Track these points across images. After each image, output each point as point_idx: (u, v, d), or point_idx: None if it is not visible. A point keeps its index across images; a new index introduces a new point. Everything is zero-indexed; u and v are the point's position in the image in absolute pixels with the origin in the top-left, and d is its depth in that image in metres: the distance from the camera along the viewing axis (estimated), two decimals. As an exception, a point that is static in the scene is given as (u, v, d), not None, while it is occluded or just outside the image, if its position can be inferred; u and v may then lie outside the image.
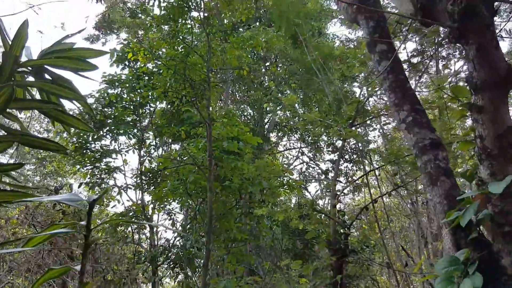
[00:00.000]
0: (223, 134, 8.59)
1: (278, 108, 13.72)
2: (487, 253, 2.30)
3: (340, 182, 6.54)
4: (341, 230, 5.47)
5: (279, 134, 20.62)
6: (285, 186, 9.71)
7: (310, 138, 18.35)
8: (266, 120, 18.92)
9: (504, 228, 2.24)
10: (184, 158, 9.09)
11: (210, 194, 5.84)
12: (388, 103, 3.03)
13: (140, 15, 16.91)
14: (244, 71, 7.28)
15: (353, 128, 5.88)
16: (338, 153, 7.19)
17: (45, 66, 1.52)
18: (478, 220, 2.37)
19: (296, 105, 14.15)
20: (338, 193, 6.52)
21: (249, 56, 13.59)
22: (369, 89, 6.15)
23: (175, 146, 13.80)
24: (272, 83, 7.65)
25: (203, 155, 8.32)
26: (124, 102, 11.03)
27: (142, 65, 7.94)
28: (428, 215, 7.67)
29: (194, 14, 6.87)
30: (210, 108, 6.93)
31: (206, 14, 6.55)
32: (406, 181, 5.98)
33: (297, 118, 18.42)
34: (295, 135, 19.50)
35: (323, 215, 5.81)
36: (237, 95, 18.77)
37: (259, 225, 11.18)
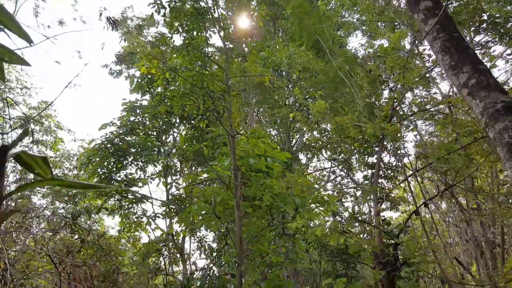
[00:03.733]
0: (249, 150, 8.13)
1: (304, 122, 13.18)
2: None
3: (382, 188, 5.89)
4: (389, 241, 4.83)
5: (308, 155, 20.02)
6: (319, 203, 9.09)
7: (341, 157, 17.67)
8: (294, 141, 18.44)
9: None
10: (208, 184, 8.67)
11: (238, 211, 5.33)
12: (441, 67, 2.49)
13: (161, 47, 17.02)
14: (266, 78, 6.86)
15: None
16: (376, 156, 6.58)
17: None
18: None
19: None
20: (380, 200, 5.87)
21: (272, 72, 13.28)
22: (405, 84, 5.56)
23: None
24: (297, 90, 7.20)
25: (229, 174, 7.86)
26: (147, 129, 10.81)
27: (157, 78, 7.63)
28: (482, 221, 6.87)
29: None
30: (232, 120, 6.49)
31: (221, 22, 6.23)
32: (457, 180, 5.25)
33: (325, 135, 17.86)
34: (325, 154, 18.86)
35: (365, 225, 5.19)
36: (262, 118, 18.43)
37: (295, 247, 10.51)
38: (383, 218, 5.17)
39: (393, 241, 4.73)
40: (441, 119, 5.45)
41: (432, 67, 7.27)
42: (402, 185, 15.47)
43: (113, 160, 10.27)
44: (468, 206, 6.91)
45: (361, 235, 5.05)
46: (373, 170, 15.53)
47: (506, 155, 2.16)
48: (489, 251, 6.48)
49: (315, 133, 18.88)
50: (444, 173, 5.07)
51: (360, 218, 5.43)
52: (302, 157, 21.44)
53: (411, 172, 10.39)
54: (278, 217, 9.27)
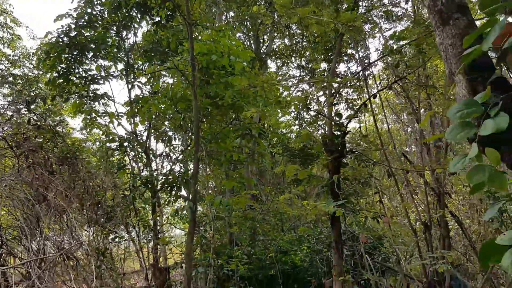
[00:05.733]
0: (211, 48, 7.97)
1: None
2: (513, 93, 1.83)
3: (337, 81, 5.98)
4: (338, 132, 5.06)
5: (278, 63, 19.85)
6: (280, 103, 9.24)
7: (310, 66, 17.61)
8: (264, 48, 18.12)
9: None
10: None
11: (195, 101, 5.38)
12: None
13: None
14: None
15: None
16: (336, 48, 6.57)
17: None
18: (501, 55, 1.88)
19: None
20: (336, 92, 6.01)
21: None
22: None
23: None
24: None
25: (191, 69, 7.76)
26: (105, 23, 10.27)
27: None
28: (432, 120, 7.23)
29: None
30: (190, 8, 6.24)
31: None
32: (407, 72, 5.44)
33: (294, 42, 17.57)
34: (295, 63, 18.73)
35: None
36: (231, 20, 17.77)
37: (258, 147, 10.88)
38: (335, 111, 5.36)
39: (342, 131, 4.97)
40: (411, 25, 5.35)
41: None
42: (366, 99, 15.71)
43: (72, 55, 9.86)
44: (419, 103, 7.20)
45: (314, 122, 5.27)
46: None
47: (437, 23, 2.22)
48: (434, 146, 6.93)
49: (286, 40, 18.53)
50: (396, 65, 5.17)
51: (313, 109, 5.60)
52: (272, 65, 21.12)
53: (378, 87, 10.50)
54: (241, 117, 9.41)
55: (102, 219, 7.16)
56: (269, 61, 18.58)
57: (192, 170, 7.06)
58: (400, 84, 6.20)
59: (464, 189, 7.62)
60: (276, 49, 18.53)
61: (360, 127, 9.02)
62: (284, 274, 10.96)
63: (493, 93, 1.85)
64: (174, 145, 11.49)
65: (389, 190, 9.23)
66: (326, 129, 5.13)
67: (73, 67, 9.99)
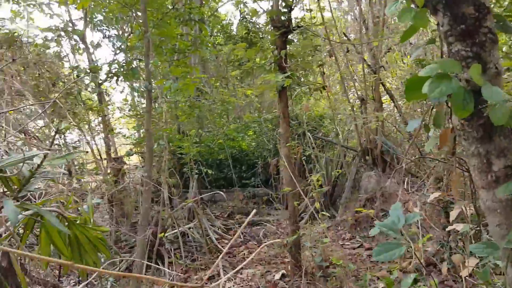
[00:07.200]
0: None
1: None
2: None
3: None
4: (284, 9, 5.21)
5: None
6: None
7: None
8: None
9: None
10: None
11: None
12: None
13: None
14: None
15: None
16: None
17: None
18: None
19: None
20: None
21: None
22: None
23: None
24: None
25: None
26: None
27: None
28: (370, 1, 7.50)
29: None
30: None
31: None
32: None
33: None
34: None
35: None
36: None
37: (201, 34, 10.76)
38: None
39: (288, 7, 5.14)
40: None
41: None
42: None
43: None
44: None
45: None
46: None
47: None
48: (373, 23, 7.28)
49: None
50: None
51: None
52: None
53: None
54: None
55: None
56: None
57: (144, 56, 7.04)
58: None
59: (397, 67, 8.24)
60: None
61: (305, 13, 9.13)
62: (233, 158, 11.72)
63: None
64: (114, 36, 11.11)
65: (330, 76, 9.78)
66: (273, 5, 5.26)
67: None
